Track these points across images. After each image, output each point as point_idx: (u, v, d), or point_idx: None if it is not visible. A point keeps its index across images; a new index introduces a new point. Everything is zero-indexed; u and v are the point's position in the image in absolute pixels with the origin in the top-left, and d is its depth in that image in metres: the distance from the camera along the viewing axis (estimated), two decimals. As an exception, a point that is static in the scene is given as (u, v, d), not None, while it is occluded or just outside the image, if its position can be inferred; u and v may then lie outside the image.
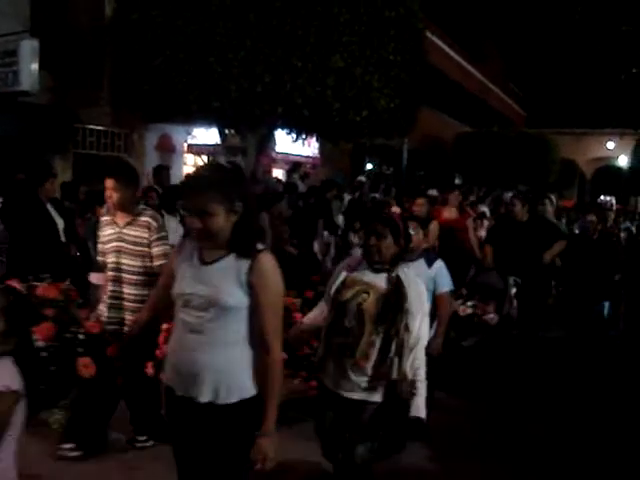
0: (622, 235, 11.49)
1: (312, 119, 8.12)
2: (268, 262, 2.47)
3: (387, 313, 3.21)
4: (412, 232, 4.44)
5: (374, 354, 3.22)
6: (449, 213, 8.71)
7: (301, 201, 9.70)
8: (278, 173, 14.65)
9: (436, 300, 4.53)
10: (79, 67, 10.90)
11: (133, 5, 8.26)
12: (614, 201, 23.58)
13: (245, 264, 2.43)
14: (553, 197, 8.11)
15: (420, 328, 3.27)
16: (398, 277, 3.27)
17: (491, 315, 6.06)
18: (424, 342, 3.31)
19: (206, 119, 9.60)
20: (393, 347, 3.19)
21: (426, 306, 3.40)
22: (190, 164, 14.92)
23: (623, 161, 28.03)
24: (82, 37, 10.90)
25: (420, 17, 9.79)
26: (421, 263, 4.53)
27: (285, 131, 9.40)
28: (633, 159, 23.30)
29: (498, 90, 32.91)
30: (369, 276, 3.33)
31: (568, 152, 27.96)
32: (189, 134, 14.27)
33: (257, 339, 2.48)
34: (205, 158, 14.43)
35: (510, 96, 35.97)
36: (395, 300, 3.22)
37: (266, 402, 2.43)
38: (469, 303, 6.07)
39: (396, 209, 7.93)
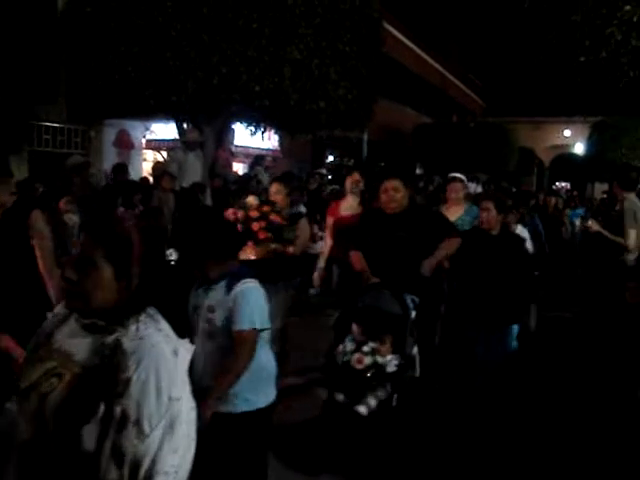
0: (577, 224, 11.66)
1: (270, 110, 8.12)
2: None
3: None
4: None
5: None
6: (347, 207, 6.55)
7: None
8: (238, 167, 14.60)
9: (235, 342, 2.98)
10: (33, 62, 10.72)
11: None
12: (569, 187, 24.07)
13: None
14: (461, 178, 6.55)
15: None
16: (117, 342, 1.68)
17: (388, 357, 4.14)
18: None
19: (164, 114, 9.53)
20: None
21: (176, 408, 1.64)
22: (149, 160, 14.80)
23: (579, 148, 28.54)
24: (35, 31, 10.71)
25: (376, 8, 9.85)
26: (221, 288, 3.02)
27: (243, 124, 9.37)
28: (588, 146, 23.74)
29: (457, 81, 33.20)
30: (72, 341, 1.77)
31: (526, 141, 28.38)
32: (147, 129, 14.13)
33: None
34: (164, 153, 14.33)
35: (469, 86, 36.32)
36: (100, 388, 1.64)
37: None
38: (366, 348, 4.11)
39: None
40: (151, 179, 11.16)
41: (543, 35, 7.66)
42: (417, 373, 4.42)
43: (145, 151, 14.65)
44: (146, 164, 14.47)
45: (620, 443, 4.65)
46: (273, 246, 5.13)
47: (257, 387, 3.05)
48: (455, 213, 6.20)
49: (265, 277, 4.89)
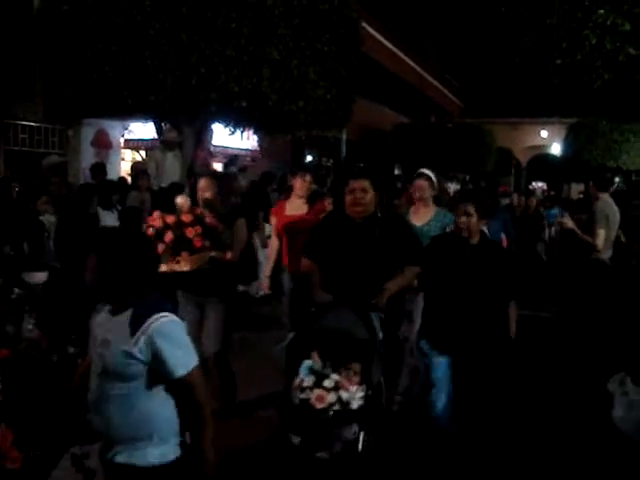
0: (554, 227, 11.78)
1: (249, 110, 8.12)
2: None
3: None
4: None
5: None
6: (294, 208, 6.19)
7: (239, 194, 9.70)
8: (217, 167, 14.58)
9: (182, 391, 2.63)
10: (9, 60, 10.61)
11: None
12: (545, 187, 24.34)
13: None
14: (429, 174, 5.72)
15: None
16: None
17: (353, 387, 3.49)
18: None
19: (142, 113, 9.48)
20: None
21: None
22: (128, 159, 14.73)
23: (556, 149, 28.83)
24: (11, 28, 10.61)
25: (355, 8, 9.90)
26: (124, 320, 2.51)
27: (222, 124, 9.36)
28: (565, 147, 24.01)
29: (435, 81, 33.37)
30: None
31: (504, 141, 28.61)
32: (126, 129, 14.06)
33: None
34: (143, 153, 14.26)
35: (447, 87, 36.53)
36: None
37: None
38: (328, 382, 3.47)
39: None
40: (129, 179, 11.14)
41: (520, 37, 7.74)
42: (383, 403, 3.89)
43: (124, 151, 14.57)
44: (125, 164, 14.40)
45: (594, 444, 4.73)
46: (212, 254, 4.56)
47: (145, 444, 2.46)
48: (422, 217, 5.48)
49: (200, 291, 4.84)
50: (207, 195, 5.00)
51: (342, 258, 4.19)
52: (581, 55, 6.47)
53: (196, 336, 4.76)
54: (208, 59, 7.59)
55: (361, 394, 3.51)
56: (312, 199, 6.35)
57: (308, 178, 6.32)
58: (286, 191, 7.73)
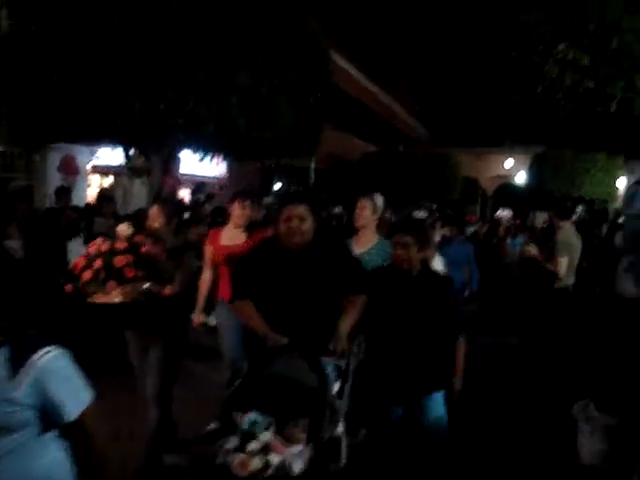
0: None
1: (217, 136, 8.13)
2: None
3: None
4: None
5: None
6: (231, 237, 5.76)
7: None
8: (185, 194, 14.55)
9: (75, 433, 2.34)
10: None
11: (31, 17, 8.04)
12: (511, 215, 24.64)
13: None
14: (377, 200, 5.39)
15: None
16: None
17: (294, 448, 2.94)
18: None
19: (110, 139, 9.44)
20: None
21: None
22: (95, 185, 14.60)
23: (521, 178, 29.30)
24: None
25: (324, 38, 10.03)
26: None
27: (191, 150, 9.36)
28: (529, 177, 24.43)
29: (403, 111, 33.80)
30: None
31: (470, 170, 29.04)
32: (93, 155, 13.96)
33: None
34: (111, 179, 14.16)
35: (415, 117, 37.01)
36: None
37: None
38: (253, 445, 2.95)
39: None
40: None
41: (484, 70, 7.92)
42: (343, 461, 3.26)
43: (91, 177, 14.45)
44: (91, 190, 14.28)
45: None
46: (145, 286, 4.22)
47: None
48: (363, 245, 5.11)
49: (138, 326, 4.51)
50: (155, 224, 4.74)
51: (281, 294, 3.71)
52: (542, 87, 6.63)
53: (139, 371, 4.70)
54: (177, 84, 7.60)
55: (305, 456, 2.91)
56: (251, 228, 5.80)
57: (248, 204, 5.79)
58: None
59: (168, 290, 4.37)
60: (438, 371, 4.06)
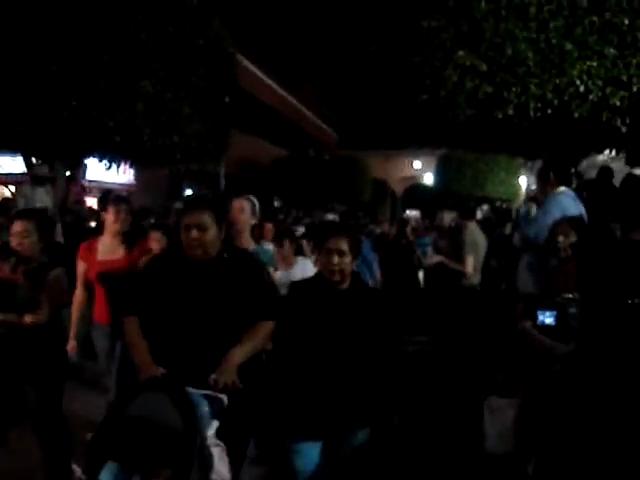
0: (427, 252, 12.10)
1: (123, 145, 7.97)
2: None
3: None
4: None
5: None
6: (107, 250, 5.09)
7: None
8: (92, 202, 14.16)
9: None
10: None
11: None
12: (419, 215, 25.29)
13: None
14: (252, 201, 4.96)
15: None
16: None
17: None
18: None
19: (10, 146, 9.08)
20: None
21: None
22: (-2, 195, 14.03)
23: (428, 179, 30.07)
24: None
25: (230, 43, 9.99)
26: None
27: (97, 159, 9.12)
28: (436, 177, 25.09)
29: (312, 114, 34.06)
30: None
31: (379, 172, 29.55)
32: (-8, 163, 13.41)
33: None
34: (13, 188, 13.62)
35: (324, 120, 37.36)
36: None
37: None
38: None
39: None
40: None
41: (388, 74, 8.10)
42: None
43: (-9, 186, 13.87)
44: (-8, 200, 13.69)
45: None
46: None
47: None
48: None
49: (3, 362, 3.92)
50: (19, 242, 4.10)
51: (173, 313, 3.20)
52: (444, 91, 6.83)
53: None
54: (80, 92, 7.40)
55: None
56: (131, 237, 5.14)
57: (124, 208, 5.09)
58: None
59: (29, 319, 3.85)
60: (369, 403, 3.36)
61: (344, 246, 3.32)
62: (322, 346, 3.30)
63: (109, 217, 5.07)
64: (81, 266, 5.05)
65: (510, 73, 6.45)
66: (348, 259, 3.33)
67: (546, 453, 2.27)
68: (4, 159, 13.14)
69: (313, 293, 3.42)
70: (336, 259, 3.31)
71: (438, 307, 8.07)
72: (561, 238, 4.46)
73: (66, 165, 8.91)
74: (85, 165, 10.36)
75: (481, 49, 6.53)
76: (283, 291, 4.23)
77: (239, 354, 3.10)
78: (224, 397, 2.92)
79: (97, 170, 11.44)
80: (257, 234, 4.88)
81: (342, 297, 3.39)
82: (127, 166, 10.65)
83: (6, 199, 12.69)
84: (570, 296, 3.52)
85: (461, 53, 6.59)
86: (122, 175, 14.76)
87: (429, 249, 11.91)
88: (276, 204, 25.11)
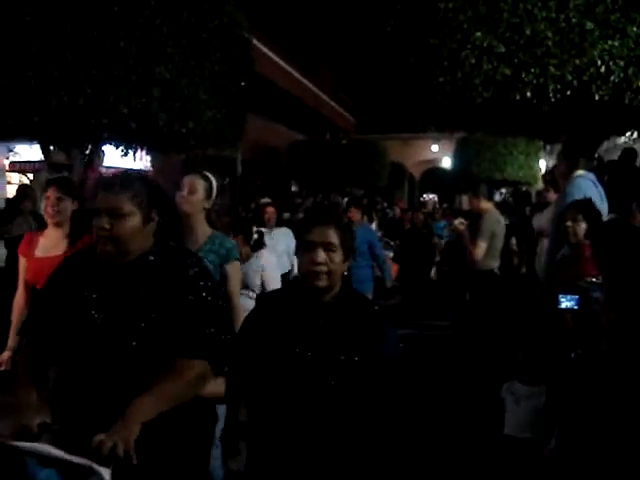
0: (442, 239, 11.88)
1: (139, 131, 7.97)
2: None
3: None
4: None
5: None
6: (48, 246, 4.18)
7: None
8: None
9: None
10: None
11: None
12: (436, 199, 25.20)
13: None
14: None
15: None
16: None
17: None
18: None
19: (27, 135, 9.13)
20: None
21: None
22: (15, 182, 14.12)
23: (447, 163, 29.87)
24: None
25: (246, 27, 9.93)
26: None
27: (113, 145, 9.14)
28: (454, 161, 24.93)
29: (329, 99, 33.94)
30: None
31: (397, 156, 29.40)
32: (11, 151, 13.50)
33: None
34: (30, 176, 13.72)
35: (341, 105, 37.22)
36: None
37: None
38: None
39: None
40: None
41: (405, 57, 8.00)
42: None
43: (10, 174, 13.97)
44: (11, 187, 13.81)
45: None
46: None
47: None
48: (190, 242, 3.67)
49: None
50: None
51: (72, 341, 2.35)
52: (462, 74, 6.74)
53: None
54: (95, 79, 7.40)
55: None
56: (77, 230, 4.12)
57: (55, 191, 4.09)
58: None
59: None
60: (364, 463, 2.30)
61: (333, 238, 2.32)
62: (294, 397, 2.26)
63: (47, 201, 4.15)
64: (21, 262, 4.19)
65: (529, 54, 6.35)
66: (338, 257, 2.33)
67: (566, 437, 2.24)
68: (22, 147, 13.23)
69: (286, 309, 2.39)
70: (321, 255, 2.30)
71: (457, 292, 8.02)
72: (569, 223, 4.41)
73: (83, 152, 8.93)
74: (102, 152, 10.39)
75: (499, 30, 6.43)
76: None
77: (145, 408, 2.16)
78: (105, 473, 1.91)
79: (114, 157, 11.45)
80: (214, 220, 3.90)
81: (326, 313, 2.34)
82: (143, 152, 10.68)
83: (23, 186, 12.79)
84: (593, 280, 3.45)
85: (478, 34, 6.49)
86: (138, 161, 14.79)
87: (445, 233, 11.84)
88: (293, 188, 25.12)
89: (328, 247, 2.30)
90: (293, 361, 2.27)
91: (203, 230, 3.81)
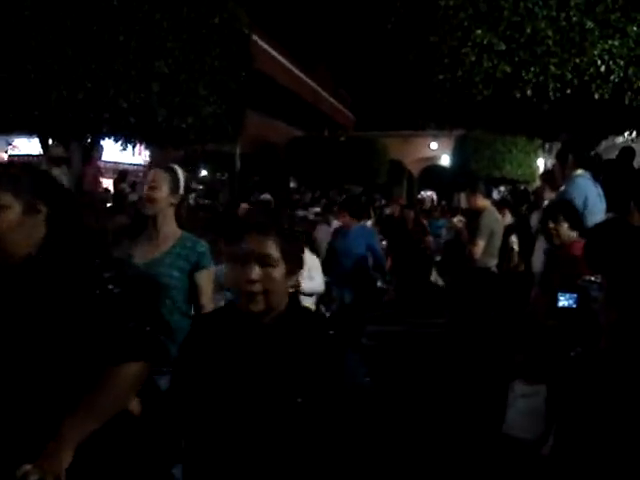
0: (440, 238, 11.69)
1: (138, 126, 7.96)
2: None
3: None
4: None
5: None
6: None
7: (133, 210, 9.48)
8: (108, 183, 14.21)
9: None
10: None
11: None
12: (435, 196, 25.17)
13: None
14: None
15: None
16: None
17: None
18: None
19: (26, 128, 9.12)
20: None
21: None
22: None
23: (445, 160, 29.86)
24: None
25: (246, 22, 9.92)
26: None
27: (112, 139, 9.13)
28: (453, 158, 24.92)
29: (328, 95, 33.90)
30: None
31: (396, 153, 29.37)
32: (9, 145, 13.49)
33: None
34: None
35: (340, 101, 37.17)
36: None
37: None
38: None
39: None
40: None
41: (405, 54, 8.00)
42: None
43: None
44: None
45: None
46: None
47: None
48: (153, 246, 3.38)
49: None
50: None
51: None
52: (462, 71, 6.74)
53: None
54: (95, 74, 7.38)
55: None
56: None
57: None
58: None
59: None
60: None
61: (270, 249, 1.87)
62: (227, 437, 1.87)
63: None
64: None
65: (529, 52, 6.35)
66: (279, 273, 1.88)
67: (565, 436, 2.25)
68: (20, 140, 13.21)
69: (221, 335, 1.98)
70: (256, 271, 1.85)
71: (454, 290, 8.01)
72: (551, 225, 4.43)
73: (82, 146, 8.92)
74: (101, 146, 10.38)
75: (499, 28, 6.43)
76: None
77: (74, 430, 1.90)
78: None
79: (113, 151, 11.45)
80: (183, 217, 3.50)
81: (266, 340, 1.91)
82: (142, 147, 10.67)
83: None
84: (592, 279, 3.46)
85: (479, 32, 6.49)
86: (137, 156, 14.78)
87: (443, 231, 11.78)
88: (292, 184, 25.11)
89: (265, 261, 1.85)
90: (226, 398, 1.87)
91: (171, 231, 3.40)
